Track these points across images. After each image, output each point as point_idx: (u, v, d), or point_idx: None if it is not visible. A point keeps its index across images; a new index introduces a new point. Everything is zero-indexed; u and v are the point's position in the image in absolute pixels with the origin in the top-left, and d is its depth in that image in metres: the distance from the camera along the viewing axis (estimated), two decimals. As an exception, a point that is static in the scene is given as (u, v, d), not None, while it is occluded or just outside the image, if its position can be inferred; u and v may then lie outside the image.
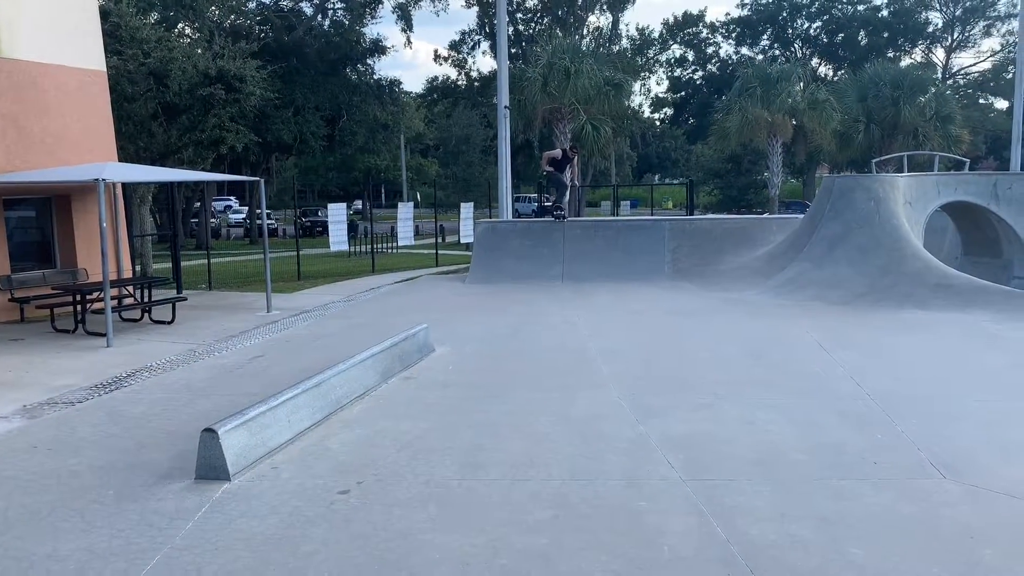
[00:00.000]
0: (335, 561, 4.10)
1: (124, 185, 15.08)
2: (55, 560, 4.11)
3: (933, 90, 34.60)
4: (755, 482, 5.15)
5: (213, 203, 37.87)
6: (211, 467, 5.20)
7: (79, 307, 11.42)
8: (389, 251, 26.43)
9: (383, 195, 62.36)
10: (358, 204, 49.65)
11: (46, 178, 12.06)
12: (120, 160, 15.26)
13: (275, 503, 4.86)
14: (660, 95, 65.45)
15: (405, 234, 21.71)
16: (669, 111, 65.09)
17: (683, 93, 61.65)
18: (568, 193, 15.71)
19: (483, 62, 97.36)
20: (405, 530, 4.47)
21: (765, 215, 26.57)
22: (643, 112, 59.54)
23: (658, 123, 66.77)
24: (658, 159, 68.42)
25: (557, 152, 16.78)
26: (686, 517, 4.63)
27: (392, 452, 5.80)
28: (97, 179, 10.49)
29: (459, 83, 49.00)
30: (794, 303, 12.28)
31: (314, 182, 53.02)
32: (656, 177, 68.44)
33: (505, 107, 18.28)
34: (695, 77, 61.36)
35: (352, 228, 23.79)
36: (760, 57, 52.85)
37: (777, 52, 54.88)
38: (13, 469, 5.50)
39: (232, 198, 49.55)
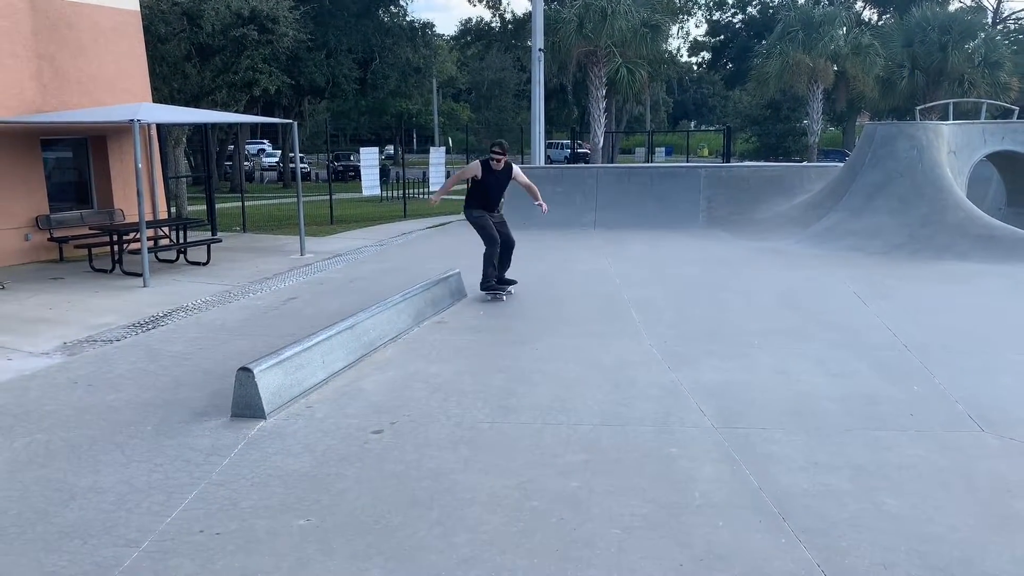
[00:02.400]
0: (368, 499, 4.15)
1: (159, 126, 15.13)
2: (96, 492, 4.21)
3: (983, 35, 33.39)
4: (788, 431, 5.11)
5: (246, 146, 37.96)
6: (247, 405, 5.28)
7: (116, 247, 11.56)
8: (421, 196, 26.39)
9: (415, 140, 62.08)
10: (390, 149, 49.51)
11: (82, 118, 12.12)
12: (154, 101, 15.30)
13: (309, 441, 4.93)
14: (698, 39, 64.07)
15: (437, 179, 21.60)
16: (707, 55, 63.62)
17: (722, 37, 60.11)
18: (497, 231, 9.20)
19: (517, 3, 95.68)
20: (437, 470, 4.51)
21: (803, 163, 26.07)
22: (680, 56, 58.34)
23: (695, 68, 65.39)
24: (694, 105, 67.21)
25: (475, 167, 9.13)
26: (717, 464, 4.62)
27: (424, 394, 5.84)
28: (132, 120, 10.52)
29: (493, 25, 48.20)
30: (831, 253, 12.08)
31: (346, 126, 52.85)
32: (692, 124, 67.27)
33: (540, 50, 17.96)
34: (734, 20, 59.72)
35: (384, 173, 23.73)
36: (803, 0, 51.28)
37: (821, -6, 53.20)
38: (55, 403, 5.63)
39: (265, 141, 49.59)
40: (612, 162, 32.52)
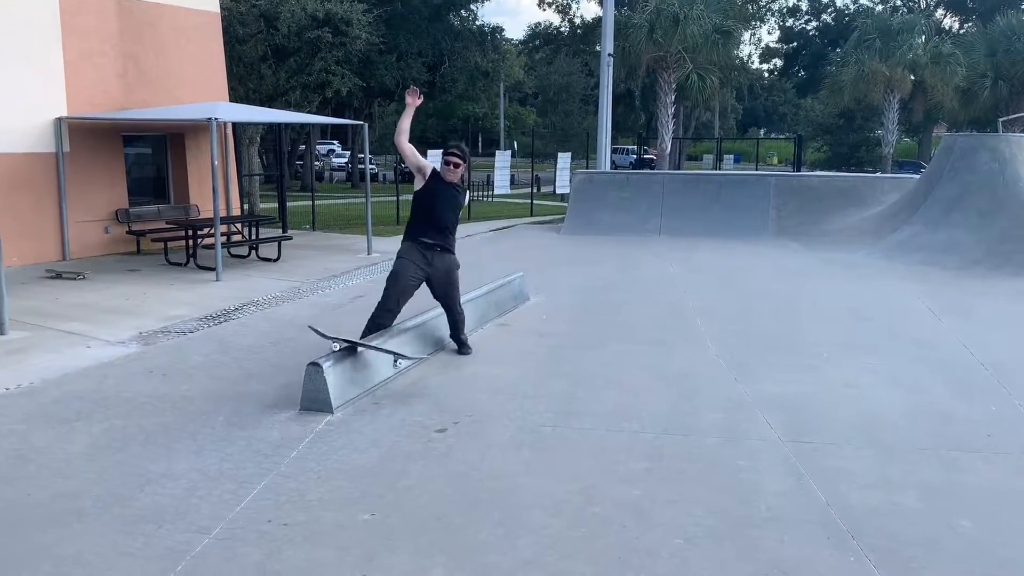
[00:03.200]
0: (431, 496, 4.19)
1: (234, 125, 15.54)
2: (169, 478, 4.34)
3: (1073, 44, 32.09)
4: (858, 447, 4.99)
5: (317, 146, 38.68)
6: (315, 399, 5.38)
7: (191, 242, 11.91)
8: (484, 199, 26.54)
9: (480, 143, 62.47)
10: (455, 151, 49.81)
11: (163, 116, 12.52)
12: (231, 101, 15.71)
13: (375, 437, 5.00)
14: (771, 45, 62.99)
15: (501, 183, 21.70)
16: (779, 62, 62.61)
17: (795, 44, 59.07)
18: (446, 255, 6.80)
19: (587, 8, 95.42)
20: (499, 472, 4.53)
21: (877, 174, 25.40)
22: (751, 63, 57.43)
23: (766, 75, 64.31)
24: (764, 113, 66.11)
25: (427, 165, 6.86)
26: (784, 478, 4.53)
27: (487, 395, 5.87)
28: (210, 118, 10.83)
29: (562, 30, 48.24)
30: (904, 267, 11.74)
31: (413, 128, 53.34)
32: (761, 131, 66.16)
33: (609, 55, 17.91)
34: (808, 27, 58.63)
35: (449, 175, 23.89)
36: (880, 7, 49.94)
37: (899, 2, 51.80)
38: (131, 391, 5.82)
39: (335, 142, 50.46)
40: (679, 168, 32.20)
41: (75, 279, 10.57)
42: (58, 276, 10.73)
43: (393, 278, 6.58)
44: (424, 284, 6.72)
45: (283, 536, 3.74)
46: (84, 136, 12.33)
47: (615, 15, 20.72)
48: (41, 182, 11.86)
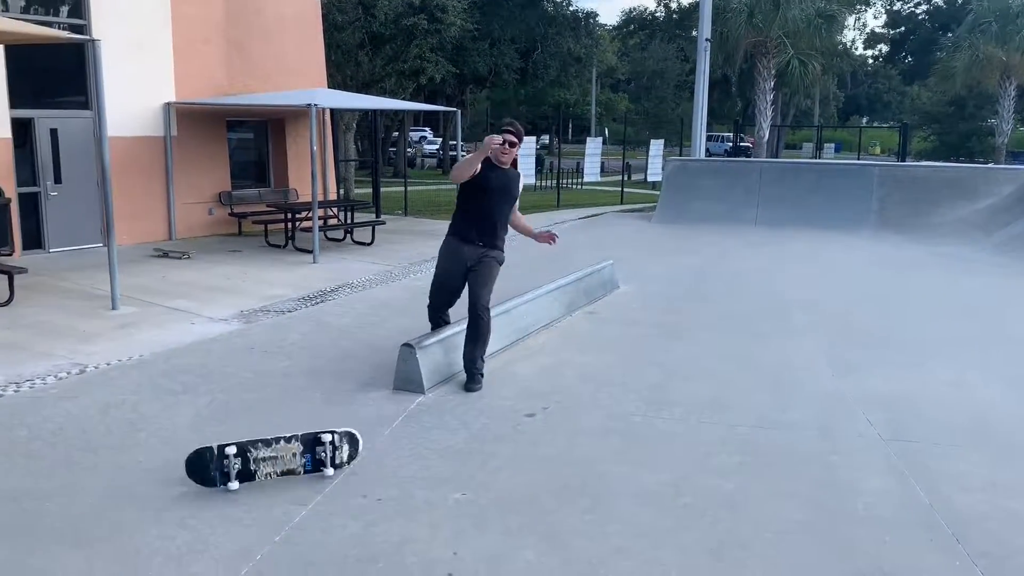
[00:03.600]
0: (521, 479, 4.21)
1: (332, 112, 15.90)
2: (270, 450, 4.48)
3: None
4: (965, 448, 4.77)
5: (410, 133, 39.23)
6: (408, 380, 5.47)
7: (290, 224, 12.27)
8: (574, 187, 26.42)
9: (570, 130, 62.17)
10: (545, 139, 49.81)
11: (265, 102, 12.91)
12: (329, 87, 16.07)
13: (465, 419, 5.05)
14: (876, 30, 60.49)
15: (591, 170, 21.55)
16: (884, 48, 60.07)
17: (902, 28, 56.55)
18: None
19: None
20: (588, 458, 4.52)
21: (989, 165, 24.13)
22: (855, 48, 55.30)
23: (871, 61, 61.80)
24: (867, 100, 63.54)
25: (500, 140, 5.59)
26: (884, 477, 4.37)
27: (576, 383, 5.86)
28: (310, 104, 11.10)
29: (657, 15, 47.52)
30: (1018, 262, 11.14)
31: (504, 114, 53.60)
32: (864, 120, 63.69)
33: (706, 40, 17.53)
34: (917, 11, 56.01)
35: (538, 162, 23.93)
36: (997, -11, 47.36)
37: (1019, -17, 48.95)
38: (234, 367, 6.05)
39: (427, 129, 51.07)
40: (776, 157, 31.32)
41: (180, 258, 11.03)
42: (165, 255, 11.23)
43: (436, 282, 5.90)
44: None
45: (377, 510, 3.83)
46: (190, 121, 12.83)
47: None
48: (150, 165, 12.40)
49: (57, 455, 4.39)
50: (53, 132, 11.36)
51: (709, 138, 32.28)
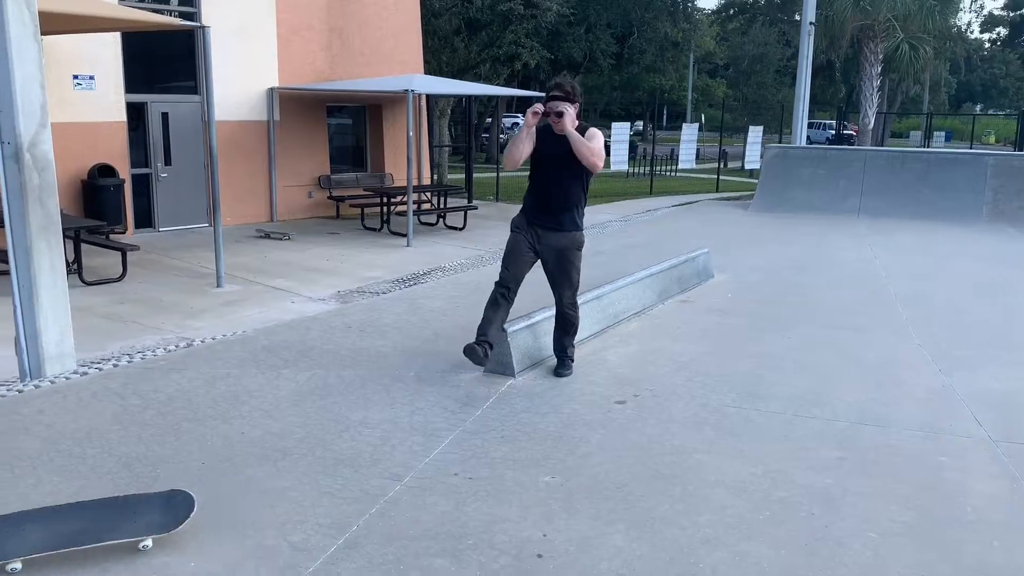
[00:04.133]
0: (611, 465, 4.20)
1: (427, 97, 16.09)
2: (365, 426, 4.60)
3: None
4: (1085, 455, 4.50)
5: (503, 119, 39.37)
6: (499, 362, 5.52)
7: (385, 208, 12.51)
8: (668, 174, 26.03)
9: (665, 116, 61.23)
10: (639, 125, 49.20)
11: (365, 87, 13.17)
12: (425, 73, 16.28)
13: (555, 403, 5.06)
14: (995, 12, 57.27)
15: (687, 157, 21.19)
16: (1003, 31, 56.84)
17: (1023, 11, 53.38)
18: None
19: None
20: (680, 447, 4.46)
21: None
22: (970, 32, 52.50)
23: (987, 45, 58.60)
24: (982, 87, 60.31)
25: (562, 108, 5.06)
26: (994, 480, 4.16)
27: (668, 371, 5.79)
28: (407, 90, 11.27)
29: (758, -1, 46.11)
30: None
31: (597, 101, 53.16)
32: (977, 107, 60.51)
33: (810, 23, 16.96)
34: (1041, -9, 52.79)
35: (632, 149, 23.67)
36: None
37: None
38: (332, 344, 6.22)
39: (520, 115, 51.17)
40: (882, 145, 30.09)
41: (281, 239, 11.40)
42: (266, 236, 11.62)
43: (507, 254, 5.32)
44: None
45: (468, 489, 3.88)
46: (292, 106, 13.20)
47: (818, -19, 19.51)
48: (254, 148, 12.83)
49: (167, 424, 4.61)
50: (164, 116, 11.88)
51: (810, 125, 31.29)
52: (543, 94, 15.33)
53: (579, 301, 6.56)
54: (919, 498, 3.94)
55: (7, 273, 5.43)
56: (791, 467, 4.25)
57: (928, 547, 3.50)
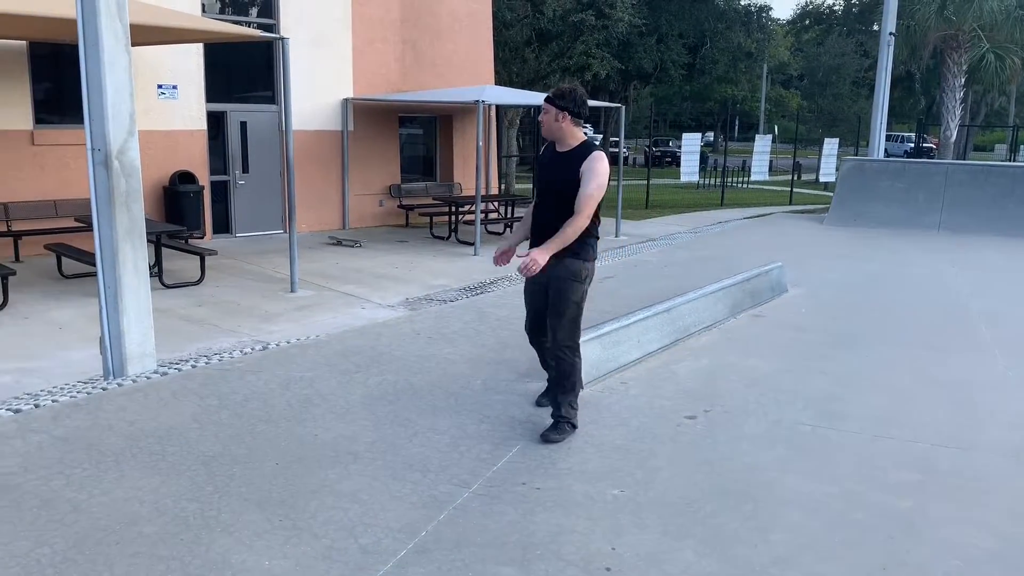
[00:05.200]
0: (680, 480, 4.14)
1: (497, 108, 16.19)
2: (434, 432, 4.64)
3: None
4: None
5: (571, 129, 39.39)
6: (567, 373, 5.49)
7: (453, 217, 12.62)
8: (739, 186, 25.65)
9: (736, 127, 60.40)
10: (709, 136, 48.65)
11: (437, 98, 13.34)
12: (495, 84, 16.39)
13: (623, 416, 5.02)
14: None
15: (759, 169, 20.87)
16: (1095, 40, 54.36)
17: (1118, 18, 51.01)
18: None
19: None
20: (752, 465, 4.37)
21: None
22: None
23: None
24: (1073, 98, 57.74)
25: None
26: (1088, 510, 3.97)
27: (739, 387, 5.68)
28: (478, 100, 11.36)
29: (835, 8, 45.17)
30: None
31: (667, 111, 52.79)
32: (1068, 119, 57.98)
33: (890, 33, 16.53)
34: None
35: (702, 160, 23.41)
36: None
37: None
38: (401, 351, 6.29)
39: (588, 125, 51.09)
40: (964, 159, 29.10)
41: (352, 247, 11.60)
42: (338, 243, 11.84)
43: (524, 292, 4.90)
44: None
45: (536, 499, 3.87)
46: (365, 116, 13.45)
47: (899, -10, 19.02)
48: (328, 157, 13.10)
49: (243, 424, 4.72)
50: (243, 124, 12.23)
51: (888, 138, 30.47)
52: (611, 104, 15.13)
53: (648, 313, 6.52)
54: (1005, 526, 3.78)
55: (94, 275, 5.64)
56: (868, 488, 4.13)
57: (1015, 577, 3.36)
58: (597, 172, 4.37)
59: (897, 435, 4.86)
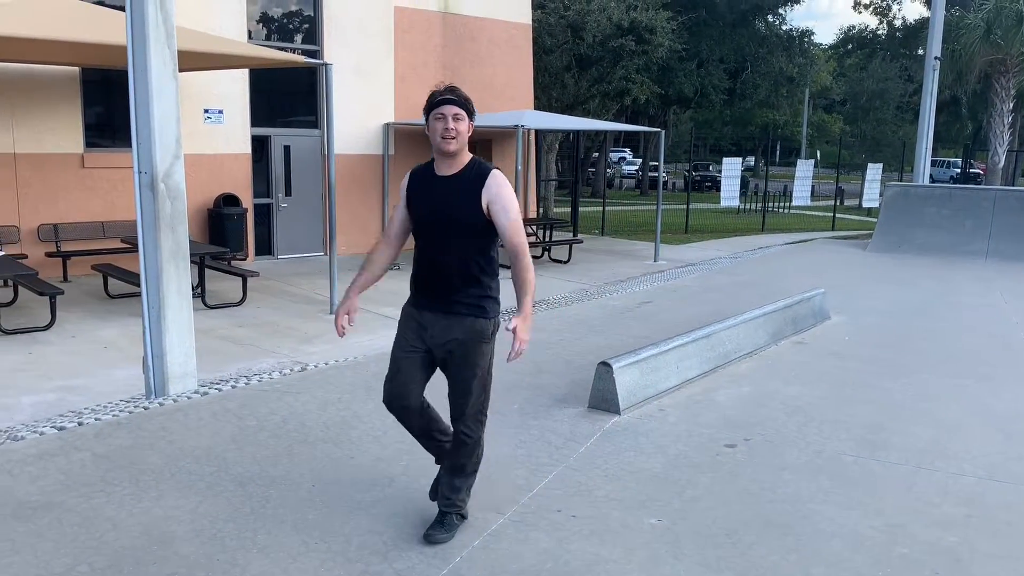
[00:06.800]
0: (720, 511, 4.06)
1: (536, 132, 16.26)
2: (469, 458, 4.61)
3: None
4: None
5: (609, 153, 39.46)
6: (603, 399, 5.45)
7: (493, 240, 12.66)
8: (781, 211, 25.40)
9: (778, 151, 59.95)
10: (750, 160, 48.34)
11: (476, 122, 13.40)
12: (535, 108, 16.47)
13: (662, 443, 4.95)
14: None
15: (801, 194, 20.64)
16: None
17: None
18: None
19: (910, 8, 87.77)
20: (793, 496, 4.28)
21: None
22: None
23: None
24: (1126, 123, 56.37)
25: (404, 183, 3.70)
26: None
27: (781, 415, 5.58)
28: (518, 125, 11.42)
29: (879, 32, 44.82)
30: None
31: (707, 136, 52.63)
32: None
33: (936, 58, 16.31)
34: None
35: (743, 184, 23.24)
36: None
37: None
38: (437, 374, 6.27)
39: (626, 150, 51.13)
40: (1013, 185, 28.52)
41: (392, 269, 11.66)
42: (378, 265, 11.91)
43: (390, 364, 3.71)
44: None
45: (571, 527, 3.83)
46: (406, 140, 13.58)
47: (944, 15, 18.81)
48: (369, 181, 13.25)
49: (280, 445, 4.75)
50: (286, 148, 12.43)
51: (933, 163, 30.01)
52: (651, 129, 15.11)
53: (687, 339, 6.46)
54: (1059, 565, 3.65)
55: (139, 295, 5.75)
56: (913, 522, 4.01)
57: (1070, 620, 3.23)
58: (508, 197, 3.46)
59: (943, 467, 4.73)
